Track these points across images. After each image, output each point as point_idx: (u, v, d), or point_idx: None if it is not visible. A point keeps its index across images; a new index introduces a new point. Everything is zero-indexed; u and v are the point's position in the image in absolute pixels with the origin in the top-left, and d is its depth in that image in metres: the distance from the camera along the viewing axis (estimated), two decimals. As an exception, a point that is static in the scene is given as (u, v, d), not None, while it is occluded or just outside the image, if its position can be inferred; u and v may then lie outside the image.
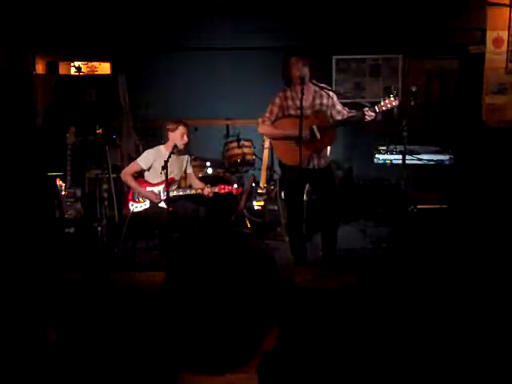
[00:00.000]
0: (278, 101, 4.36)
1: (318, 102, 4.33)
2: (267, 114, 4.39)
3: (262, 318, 0.90)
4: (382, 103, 4.15)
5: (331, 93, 4.40)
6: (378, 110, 4.16)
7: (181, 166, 4.80)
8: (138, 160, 4.72)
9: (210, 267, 0.89)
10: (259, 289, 0.90)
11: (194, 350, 0.89)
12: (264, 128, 4.45)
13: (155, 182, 4.70)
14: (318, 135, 4.26)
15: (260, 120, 4.48)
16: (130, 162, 4.88)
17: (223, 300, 0.87)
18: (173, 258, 0.97)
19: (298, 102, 4.18)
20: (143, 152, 4.83)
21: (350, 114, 4.31)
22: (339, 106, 4.38)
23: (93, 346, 3.04)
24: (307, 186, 4.92)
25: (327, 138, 4.33)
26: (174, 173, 4.63)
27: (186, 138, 4.63)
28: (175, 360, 0.91)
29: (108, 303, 3.72)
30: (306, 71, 4.19)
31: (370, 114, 4.19)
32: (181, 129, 4.61)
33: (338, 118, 4.33)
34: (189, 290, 0.88)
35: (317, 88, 4.34)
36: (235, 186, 4.83)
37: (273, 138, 4.56)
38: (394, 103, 4.14)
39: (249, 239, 0.97)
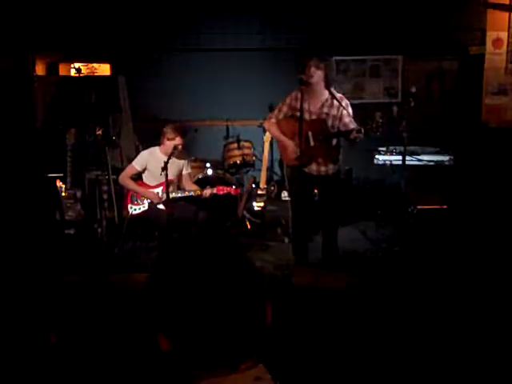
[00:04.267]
0: (288, 100, 4.35)
1: (325, 110, 4.25)
2: (276, 111, 4.42)
3: (249, 304, 0.94)
4: (369, 126, 4.11)
5: (343, 104, 4.25)
6: (362, 131, 4.11)
7: (178, 167, 4.80)
8: (134, 163, 4.75)
9: (192, 269, 0.94)
10: (239, 280, 0.94)
11: (194, 350, 0.91)
12: (268, 124, 4.50)
13: (153, 184, 4.71)
14: (311, 142, 4.23)
15: (269, 115, 4.52)
16: (129, 163, 4.89)
17: (209, 299, 0.90)
18: (158, 260, 0.99)
19: (305, 105, 4.16)
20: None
21: (343, 129, 4.26)
22: (347, 120, 4.24)
23: (93, 348, 3.03)
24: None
25: (323, 149, 4.26)
26: (172, 174, 4.62)
27: (180, 148, 4.64)
28: (185, 364, 0.94)
29: (108, 304, 3.72)
30: (316, 74, 4.14)
31: (358, 135, 4.13)
32: (177, 140, 4.62)
33: (342, 129, 4.26)
34: (173, 292, 0.92)
35: (330, 97, 4.25)
36: (233, 187, 4.84)
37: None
38: (378, 131, 4.11)
39: (222, 240, 1.03)
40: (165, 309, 0.92)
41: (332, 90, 4.27)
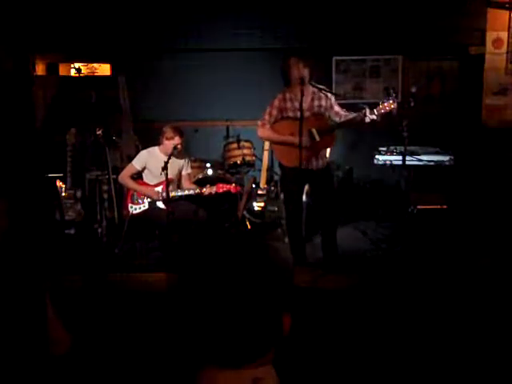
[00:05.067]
0: (276, 103, 4.34)
1: (316, 103, 4.32)
2: (266, 117, 4.37)
3: (270, 310, 0.97)
4: (381, 106, 4.16)
5: (329, 94, 4.40)
6: (376, 113, 4.16)
7: (177, 167, 4.81)
8: (133, 162, 4.79)
9: (219, 268, 0.96)
10: (265, 284, 0.98)
11: (214, 346, 0.94)
12: (263, 131, 4.42)
13: (153, 182, 4.72)
14: (317, 138, 4.26)
15: (259, 123, 4.45)
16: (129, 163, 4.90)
17: (234, 297, 0.94)
18: (185, 260, 1.00)
19: (296, 104, 4.19)
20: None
21: (350, 116, 4.29)
22: (337, 107, 4.37)
23: (93, 348, 3.03)
24: (307, 187, 4.92)
25: (326, 140, 4.33)
26: (171, 173, 4.62)
27: (179, 147, 4.64)
28: (194, 358, 0.96)
29: (108, 304, 3.72)
30: (305, 72, 4.19)
31: (370, 117, 4.19)
32: (176, 139, 4.62)
33: (336, 119, 4.33)
34: (202, 290, 0.95)
35: (315, 89, 4.33)
36: (233, 184, 4.85)
37: (272, 142, 4.57)
38: (392, 106, 4.14)
39: (250, 239, 1.03)
40: (189, 305, 0.95)
41: (313, 83, 4.31)
